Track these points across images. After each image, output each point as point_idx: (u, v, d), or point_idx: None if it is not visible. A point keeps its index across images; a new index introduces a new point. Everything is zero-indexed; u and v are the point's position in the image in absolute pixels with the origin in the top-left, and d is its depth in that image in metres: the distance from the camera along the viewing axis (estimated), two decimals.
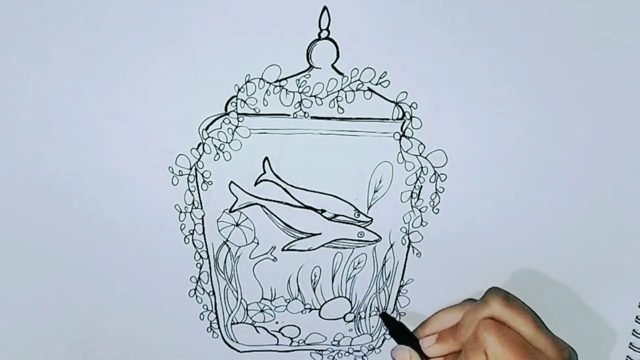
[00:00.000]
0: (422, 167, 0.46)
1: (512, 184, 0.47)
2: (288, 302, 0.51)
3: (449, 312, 0.47)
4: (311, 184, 0.46)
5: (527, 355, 0.41)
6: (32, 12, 0.40)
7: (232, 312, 0.51)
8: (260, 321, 0.52)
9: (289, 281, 0.50)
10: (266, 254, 0.48)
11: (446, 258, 0.49)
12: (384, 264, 0.50)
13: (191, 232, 0.47)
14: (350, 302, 0.51)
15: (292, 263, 0.49)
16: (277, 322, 0.52)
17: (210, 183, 0.45)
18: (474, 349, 0.42)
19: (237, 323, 0.52)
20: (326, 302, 0.51)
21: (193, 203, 0.46)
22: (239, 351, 0.53)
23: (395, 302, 0.52)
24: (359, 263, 0.50)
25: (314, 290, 0.51)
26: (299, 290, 0.51)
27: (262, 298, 0.51)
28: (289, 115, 0.44)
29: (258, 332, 0.52)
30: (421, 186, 0.46)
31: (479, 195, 0.47)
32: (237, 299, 0.50)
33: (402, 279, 0.51)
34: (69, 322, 0.50)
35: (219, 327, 0.51)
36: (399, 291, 0.51)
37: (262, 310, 0.51)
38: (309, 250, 0.48)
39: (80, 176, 0.44)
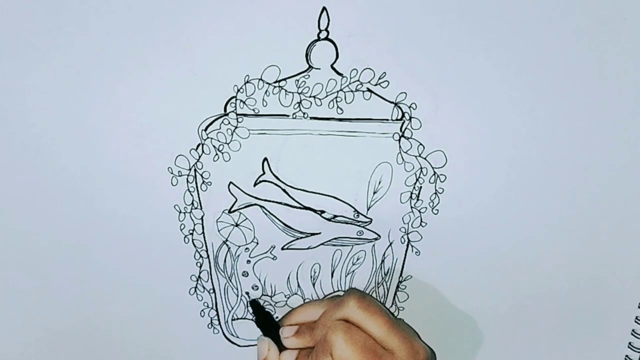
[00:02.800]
0: (421, 168, 0.46)
1: (512, 185, 0.47)
2: (288, 298, 0.51)
3: (312, 306, 0.47)
4: (310, 184, 0.46)
5: (374, 358, 0.41)
6: (32, 13, 0.39)
7: (232, 308, 0.51)
8: None
9: (288, 278, 0.50)
10: (266, 252, 0.48)
11: (445, 257, 0.49)
12: (383, 261, 0.50)
13: (191, 232, 0.47)
14: None
15: (292, 261, 0.49)
16: (277, 318, 0.52)
17: (209, 184, 0.45)
18: (323, 349, 0.42)
19: (238, 319, 0.52)
20: (326, 296, 0.52)
21: (192, 203, 0.46)
22: (239, 346, 0.53)
23: (394, 297, 0.52)
24: (358, 259, 0.50)
25: (314, 286, 0.51)
26: (298, 285, 0.51)
27: (262, 294, 0.51)
28: (288, 115, 0.44)
29: None
30: (420, 187, 0.47)
31: (478, 196, 0.47)
32: (237, 296, 0.51)
33: (400, 275, 0.51)
34: (71, 320, 0.50)
35: (219, 324, 0.52)
36: (397, 287, 0.51)
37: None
38: (308, 248, 0.49)
39: (81, 176, 0.44)
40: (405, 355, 0.42)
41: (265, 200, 0.46)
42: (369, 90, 0.43)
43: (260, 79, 0.42)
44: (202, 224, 0.47)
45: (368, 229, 0.48)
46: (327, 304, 0.46)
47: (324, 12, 0.40)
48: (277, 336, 0.47)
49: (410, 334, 0.43)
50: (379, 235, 0.49)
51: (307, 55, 0.42)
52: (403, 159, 0.46)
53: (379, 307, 0.43)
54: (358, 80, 0.43)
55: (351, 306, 0.42)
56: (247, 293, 0.50)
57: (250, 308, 0.50)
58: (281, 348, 0.46)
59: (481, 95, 0.43)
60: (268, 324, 0.48)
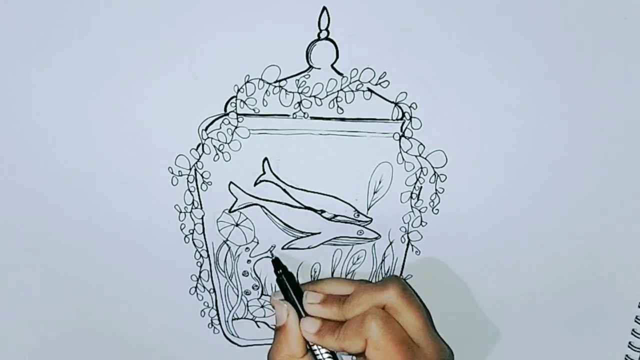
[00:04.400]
0: (421, 168, 0.46)
1: (512, 184, 0.47)
2: None
3: (341, 282, 0.46)
4: (311, 184, 0.46)
5: (408, 351, 0.41)
6: (33, 13, 0.39)
7: (232, 308, 0.51)
8: (260, 316, 0.52)
9: None
10: (266, 252, 0.49)
11: (445, 256, 0.50)
12: (383, 260, 0.50)
13: (191, 231, 0.47)
14: None
15: (292, 260, 0.49)
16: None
17: (209, 183, 0.45)
18: (357, 332, 0.41)
19: (238, 319, 0.52)
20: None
21: (193, 203, 0.46)
22: (239, 345, 0.53)
23: None
24: (358, 259, 0.50)
25: None
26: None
27: (263, 294, 0.51)
28: (288, 115, 0.44)
29: (259, 326, 0.53)
30: (421, 187, 0.47)
31: (478, 196, 0.47)
32: (237, 295, 0.51)
33: (401, 274, 0.51)
34: (71, 320, 0.50)
35: (219, 323, 0.52)
36: None
37: (262, 306, 0.52)
38: (308, 248, 0.49)
39: (81, 176, 0.44)
40: (432, 352, 0.42)
41: (266, 200, 0.46)
42: (369, 90, 0.43)
43: (261, 79, 0.42)
44: (203, 224, 0.47)
45: (368, 229, 0.48)
46: (360, 284, 0.44)
47: (324, 12, 0.40)
48: (297, 302, 0.45)
49: (436, 333, 0.44)
50: (379, 235, 0.49)
51: (307, 55, 0.42)
52: (403, 159, 0.46)
53: (417, 301, 0.43)
54: (358, 80, 0.43)
55: (393, 294, 0.42)
56: (271, 252, 0.49)
57: (273, 267, 0.47)
58: (300, 315, 0.44)
59: (481, 95, 0.43)
60: (290, 286, 0.46)
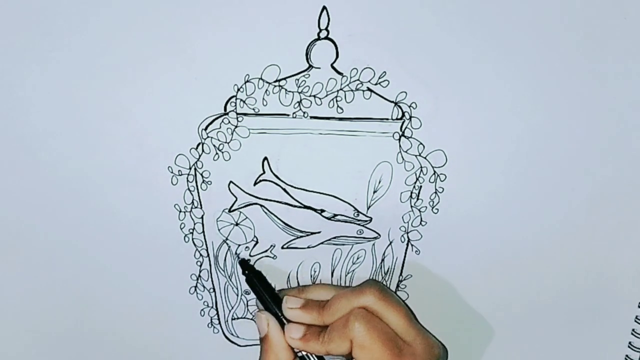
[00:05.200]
0: (421, 167, 0.46)
1: (512, 184, 0.47)
2: None
3: (326, 289, 0.46)
4: (310, 184, 0.46)
5: (394, 348, 0.41)
6: (33, 13, 0.39)
7: (232, 307, 0.51)
8: None
9: (288, 277, 0.50)
10: (266, 251, 0.49)
11: (445, 256, 0.49)
12: (383, 260, 0.50)
13: (191, 231, 0.47)
14: None
15: (292, 260, 0.49)
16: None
17: (209, 183, 0.45)
18: (341, 335, 0.41)
19: (238, 318, 0.52)
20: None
21: (192, 202, 0.46)
22: (239, 345, 0.53)
23: None
24: (358, 258, 0.50)
25: None
26: (298, 285, 0.51)
27: None
28: (288, 115, 0.44)
29: None
30: (421, 186, 0.47)
31: (478, 196, 0.47)
32: (237, 295, 0.51)
33: (400, 274, 0.51)
34: (70, 320, 0.50)
35: (219, 323, 0.52)
36: (397, 286, 0.51)
37: None
38: (308, 247, 0.49)
39: (81, 176, 0.44)
40: (422, 349, 0.42)
41: (265, 199, 0.46)
42: (369, 89, 0.43)
43: (261, 78, 0.42)
44: (202, 223, 0.47)
45: (368, 228, 0.48)
46: (340, 289, 0.45)
47: (324, 11, 0.40)
48: (276, 309, 0.45)
49: (425, 329, 0.43)
50: (379, 234, 0.49)
51: (307, 54, 0.42)
52: (403, 158, 0.46)
53: (398, 300, 0.43)
54: (358, 80, 0.43)
55: (371, 297, 0.42)
56: (237, 254, 0.49)
57: (240, 268, 0.48)
58: (281, 322, 0.44)
59: (481, 95, 0.43)
60: (261, 286, 0.45)
